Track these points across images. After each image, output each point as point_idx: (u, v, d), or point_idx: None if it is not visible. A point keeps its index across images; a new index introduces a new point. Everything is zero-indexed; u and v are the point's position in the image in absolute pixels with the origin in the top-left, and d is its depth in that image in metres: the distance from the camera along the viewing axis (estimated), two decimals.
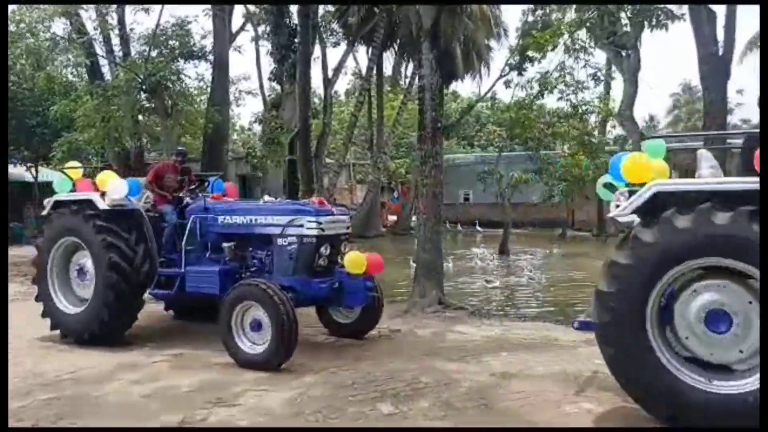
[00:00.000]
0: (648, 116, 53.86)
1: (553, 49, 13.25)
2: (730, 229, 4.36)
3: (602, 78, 18.30)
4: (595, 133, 24.33)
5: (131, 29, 19.80)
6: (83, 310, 7.88)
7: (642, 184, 4.92)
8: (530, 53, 13.50)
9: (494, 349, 7.57)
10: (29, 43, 18.14)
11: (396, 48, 30.90)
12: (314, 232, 7.09)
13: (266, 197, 8.80)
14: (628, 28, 12.32)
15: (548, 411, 5.36)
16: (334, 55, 39.90)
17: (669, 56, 58.88)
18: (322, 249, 7.20)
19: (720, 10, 11.53)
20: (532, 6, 17.08)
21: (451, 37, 24.47)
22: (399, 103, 32.50)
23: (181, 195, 8.31)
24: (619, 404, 5.40)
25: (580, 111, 18.97)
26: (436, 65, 10.78)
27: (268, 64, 28.91)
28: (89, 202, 7.88)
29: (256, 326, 6.64)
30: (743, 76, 51.70)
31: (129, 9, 19.17)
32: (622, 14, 12.25)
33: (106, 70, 20.59)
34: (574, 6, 13.39)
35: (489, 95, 34.51)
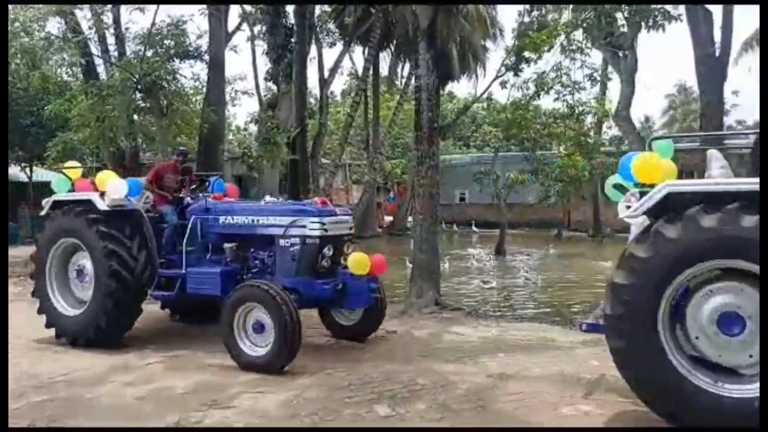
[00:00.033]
0: (643, 117, 54.07)
1: (549, 50, 13.23)
2: (756, 232, 4.28)
3: (598, 79, 18.31)
4: (591, 133, 24.36)
5: (126, 29, 19.67)
6: (81, 314, 7.81)
7: (652, 185, 4.85)
8: (526, 54, 13.45)
9: (491, 350, 7.54)
10: (24, 43, 18.01)
11: (392, 48, 30.92)
12: (317, 233, 7.03)
13: (268, 197, 8.73)
14: (625, 29, 12.32)
15: (545, 413, 5.33)
16: (330, 55, 39.77)
17: (664, 57, 59.00)
18: (325, 250, 7.14)
19: (716, 10, 11.52)
20: (528, 6, 17.03)
21: (448, 38, 24.54)
22: (395, 104, 32.46)
23: (181, 195, 8.24)
24: (617, 407, 5.37)
25: (576, 112, 18.95)
26: (432, 66, 10.76)
27: (264, 64, 28.87)
28: (89, 203, 7.81)
29: (259, 328, 6.59)
30: (739, 77, 51.91)
31: (124, 8, 19.05)
32: (619, 15, 12.25)
33: (101, 69, 20.44)
34: (570, 6, 13.38)
35: (485, 96, 34.35)
